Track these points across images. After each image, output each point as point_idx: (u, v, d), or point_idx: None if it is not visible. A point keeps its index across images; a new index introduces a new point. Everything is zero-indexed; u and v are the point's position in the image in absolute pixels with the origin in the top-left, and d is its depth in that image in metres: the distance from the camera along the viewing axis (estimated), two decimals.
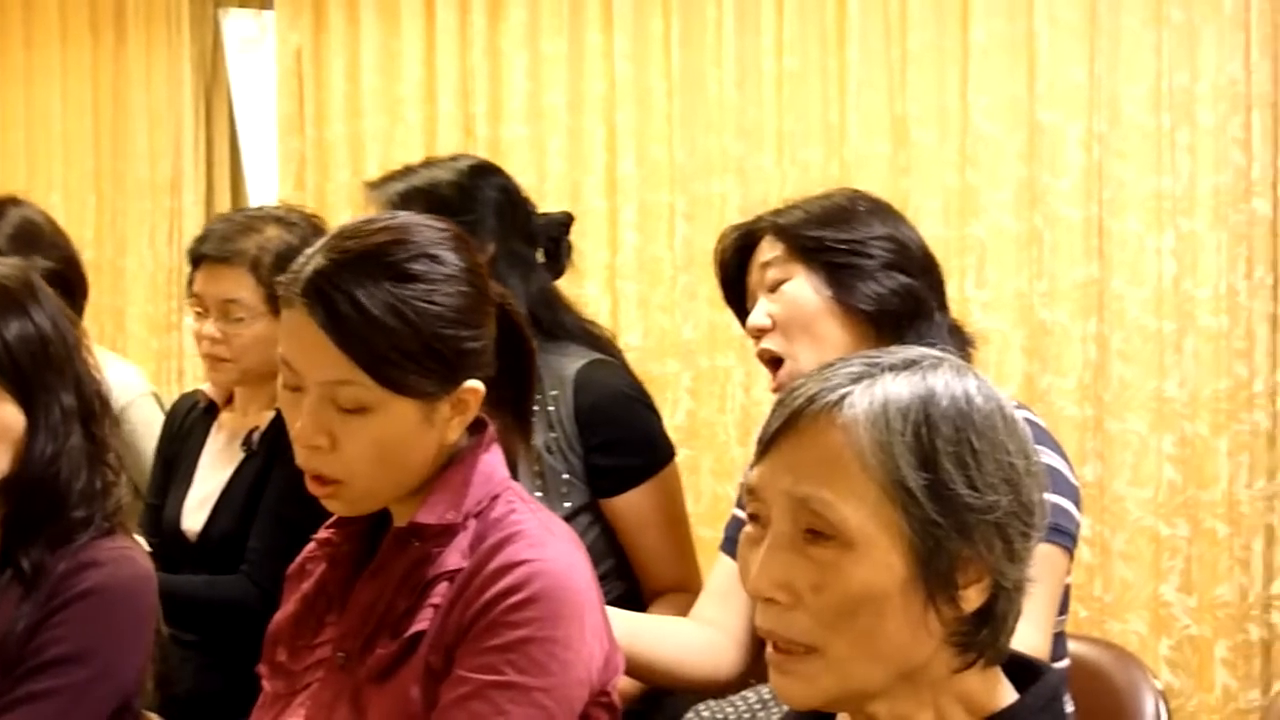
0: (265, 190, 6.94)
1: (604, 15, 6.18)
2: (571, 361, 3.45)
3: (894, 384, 1.80)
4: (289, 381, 2.35)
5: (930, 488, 1.76)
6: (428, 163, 3.63)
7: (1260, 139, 5.21)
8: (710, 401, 6.04)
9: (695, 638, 3.05)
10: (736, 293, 3.07)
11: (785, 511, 1.81)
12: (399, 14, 6.51)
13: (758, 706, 2.89)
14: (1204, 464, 5.31)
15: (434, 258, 2.35)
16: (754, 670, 2.99)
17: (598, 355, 3.50)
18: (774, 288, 2.93)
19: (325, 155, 6.65)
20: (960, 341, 2.97)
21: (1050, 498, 2.65)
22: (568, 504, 3.40)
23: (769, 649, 1.84)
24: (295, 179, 6.69)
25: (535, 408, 3.26)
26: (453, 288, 2.35)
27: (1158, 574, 5.35)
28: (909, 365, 1.83)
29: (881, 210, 3.00)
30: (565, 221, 3.62)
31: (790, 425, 1.83)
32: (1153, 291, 5.36)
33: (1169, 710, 3.18)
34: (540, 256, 3.59)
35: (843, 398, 1.80)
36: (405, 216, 2.46)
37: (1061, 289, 5.48)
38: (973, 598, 1.78)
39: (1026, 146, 5.53)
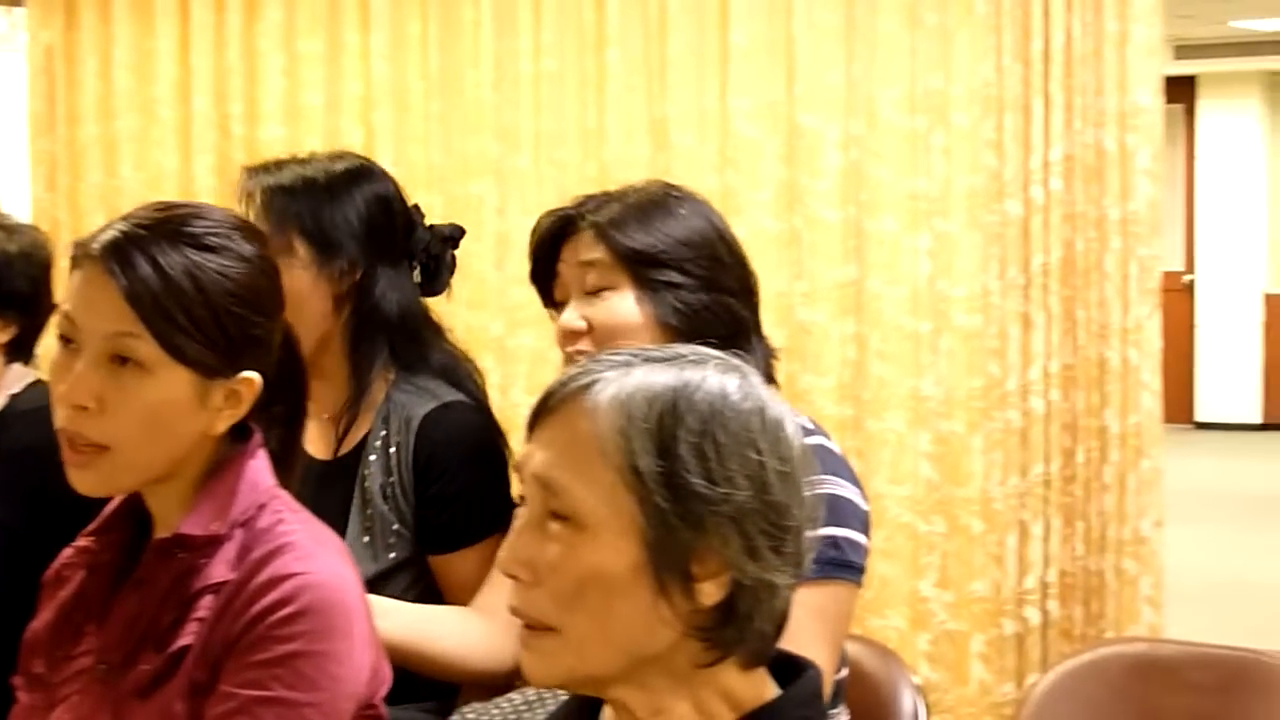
0: (17, 191, 6.78)
1: (361, 15, 6.14)
2: (422, 403, 3.18)
3: (649, 374, 1.81)
4: (67, 332, 2.30)
5: (664, 475, 1.76)
6: (307, 159, 3.32)
7: (1012, 141, 5.31)
8: None
9: (475, 629, 3.02)
10: (546, 276, 3.03)
11: (534, 492, 1.82)
12: (153, 12, 6.41)
13: (523, 708, 2.86)
14: (959, 462, 5.40)
15: (232, 239, 2.32)
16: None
17: (452, 398, 3.21)
18: (594, 291, 2.91)
19: (77, 156, 6.53)
20: (769, 366, 2.95)
21: (842, 531, 2.66)
22: (392, 555, 3.21)
23: (520, 627, 1.84)
24: (47, 180, 6.56)
25: (386, 449, 3.19)
26: (247, 268, 2.31)
27: (916, 570, 5.43)
28: (672, 358, 1.84)
29: (699, 210, 2.98)
30: (450, 235, 3.45)
31: (545, 408, 1.85)
32: (909, 291, 5.44)
33: (927, 705, 3.21)
34: (418, 272, 3.41)
35: (593, 383, 1.81)
36: (207, 204, 2.44)
37: (820, 289, 5.54)
38: (710, 591, 1.78)
39: (785, 148, 5.59)
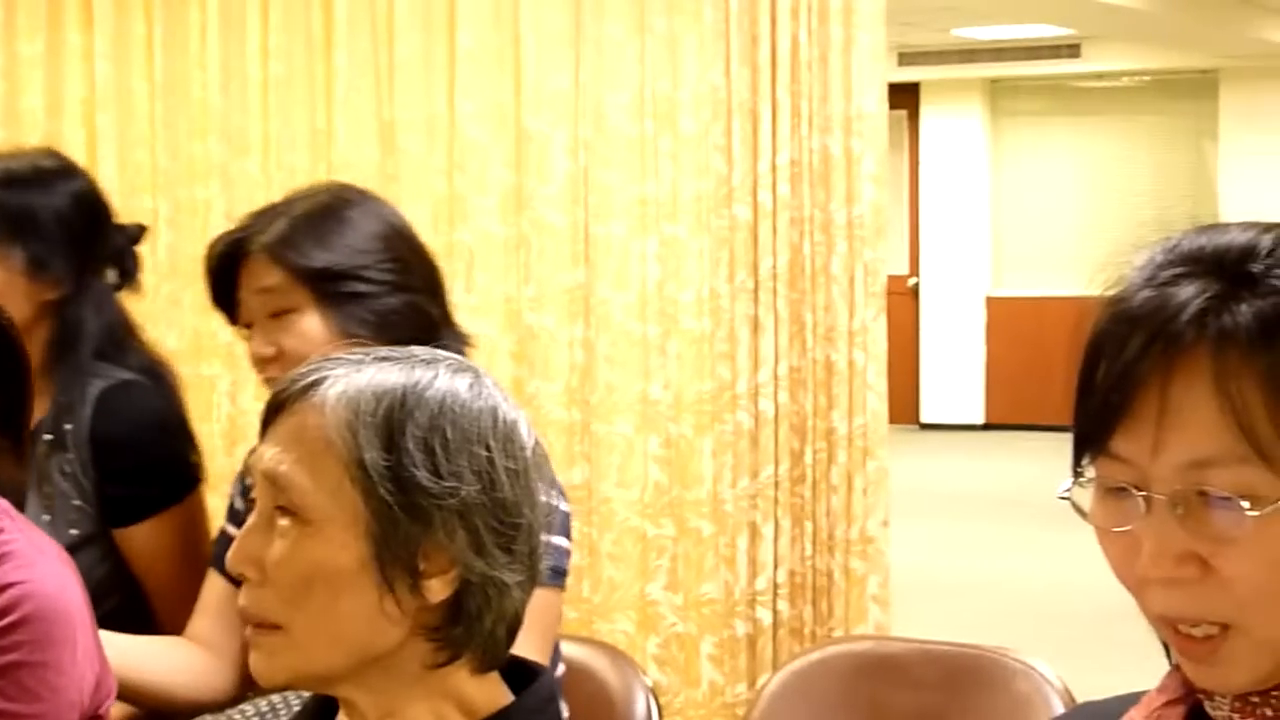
0: None
1: (83, 15, 6.03)
2: (98, 382, 3.21)
3: (380, 372, 1.81)
4: None
5: (390, 469, 1.76)
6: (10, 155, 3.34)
7: (740, 146, 5.35)
8: (196, 410, 5.90)
9: (187, 658, 2.97)
10: (226, 301, 2.99)
11: (263, 489, 1.82)
12: None
13: (255, 718, 2.83)
14: (689, 464, 5.43)
15: None
16: (252, 686, 2.92)
17: (128, 376, 3.25)
18: (278, 314, 2.86)
19: None
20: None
21: (548, 538, 2.66)
22: (74, 531, 3.19)
23: (248, 627, 1.83)
24: None
25: (63, 429, 3.13)
26: None
27: (645, 573, 5.45)
28: (405, 358, 1.84)
29: (371, 210, 2.95)
30: (135, 232, 3.41)
31: (276, 406, 1.84)
32: (637, 296, 5.47)
33: (659, 707, 3.22)
34: (110, 267, 3.36)
35: (323, 380, 1.81)
36: None
37: (548, 294, 5.54)
38: (437, 588, 1.78)
39: (513, 153, 5.59)
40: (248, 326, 2.92)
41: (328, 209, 2.89)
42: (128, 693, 2.85)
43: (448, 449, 1.76)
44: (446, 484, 1.75)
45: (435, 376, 1.81)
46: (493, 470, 1.78)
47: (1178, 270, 1.36)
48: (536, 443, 1.86)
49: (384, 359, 1.84)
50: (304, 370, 1.84)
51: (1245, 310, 1.33)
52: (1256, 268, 1.35)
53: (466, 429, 1.78)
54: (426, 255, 2.96)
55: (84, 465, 3.17)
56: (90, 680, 2.32)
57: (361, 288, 2.82)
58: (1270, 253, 1.36)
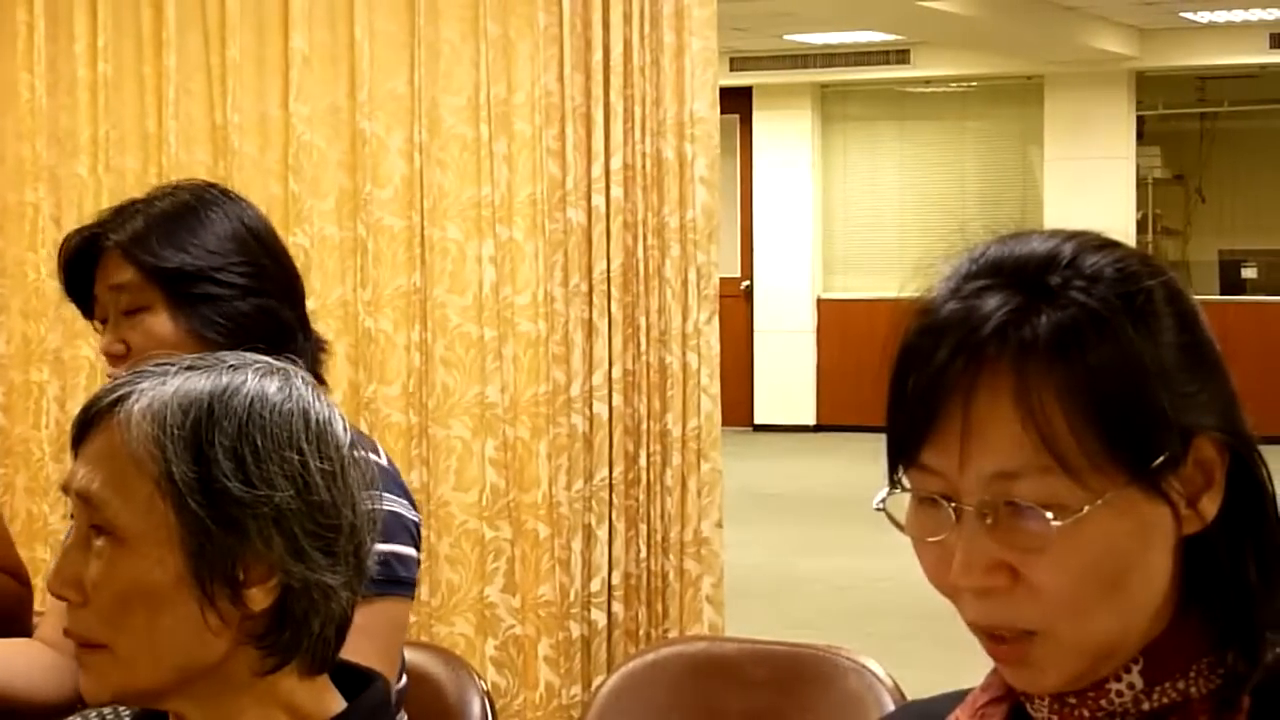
0: None
1: None
2: None
3: (186, 382, 1.79)
4: None
5: (200, 481, 1.74)
6: None
7: (574, 149, 5.37)
8: (25, 417, 5.87)
9: (33, 659, 2.94)
10: (81, 294, 2.96)
11: (78, 509, 1.79)
12: None
13: (111, 718, 2.81)
14: (525, 467, 5.44)
15: None
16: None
17: None
18: (130, 312, 2.84)
19: None
20: (317, 362, 2.93)
21: (389, 547, 2.65)
22: None
23: (76, 648, 1.82)
24: None
25: None
26: None
27: (483, 576, 5.45)
28: (212, 365, 1.82)
29: (227, 209, 2.93)
30: None
31: (84, 423, 1.82)
32: (473, 299, 5.47)
33: (494, 710, 3.22)
34: None
35: (127, 395, 1.78)
36: None
37: (385, 297, 5.54)
38: (259, 597, 1.76)
39: (349, 155, 5.57)
40: (103, 322, 2.90)
41: (186, 208, 2.85)
42: None
43: (258, 456, 1.74)
44: (259, 492, 1.73)
45: (243, 381, 1.78)
46: (306, 474, 1.76)
47: (982, 282, 1.38)
48: (355, 442, 1.85)
49: (190, 367, 1.81)
50: (109, 385, 1.82)
51: (1044, 322, 1.35)
52: (1055, 279, 1.37)
53: (277, 434, 1.76)
54: (285, 261, 2.93)
55: None
56: None
57: (213, 290, 2.78)
58: (1070, 263, 1.38)
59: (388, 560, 2.64)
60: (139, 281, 2.81)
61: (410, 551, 2.78)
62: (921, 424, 1.38)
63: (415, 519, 2.83)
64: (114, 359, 2.84)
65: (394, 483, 2.81)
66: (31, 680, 2.92)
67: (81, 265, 2.90)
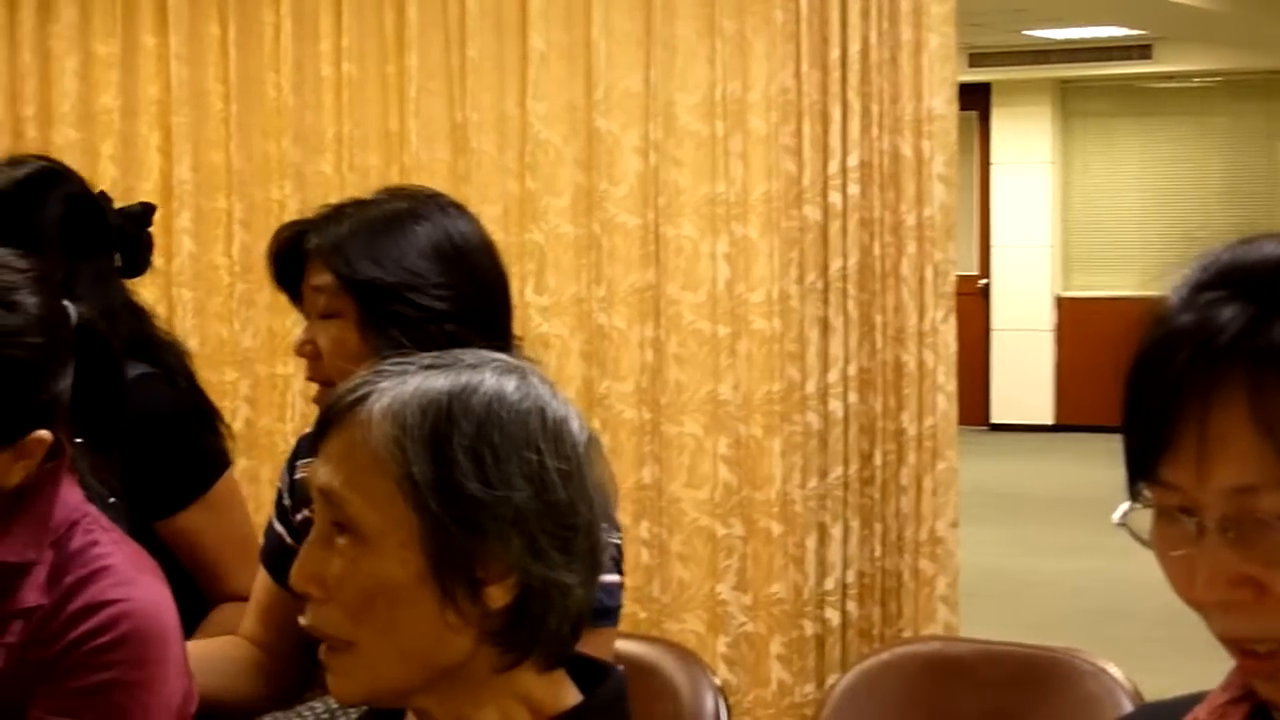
0: None
1: (158, 17, 6.08)
2: None
3: (424, 381, 1.80)
4: None
5: (439, 482, 1.75)
6: None
7: (810, 147, 5.36)
8: (270, 410, 5.98)
9: (237, 658, 2.97)
10: (291, 288, 2.98)
11: (320, 506, 1.81)
12: None
13: (325, 716, 2.85)
14: (757, 465, 5.44)
15: (9, 306, 2.26)
16: (319, 681, 2.93)
17: (144, 370, 3.24)
18: (326, 314, 2.85)
19: None
20: None
21: (601, 578, 2.64)
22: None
23: (320, 646, 1.84)
24: None
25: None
26: (27, 339, 2.26)
27: (714, 573, 5.46)
28: (451, 364, 1.83)
29: (439, 223, 2.86)
30: (141, 214, 3.42)
31: (325, 421, 1.84)
32: (707, 296, 5.48)
33: (728, 707, 3.22)
34: (118, 259, 3.41)
35: (369, 394, 1.80)
36: None
37: (619, 294, 5.56)
38: (497, 595, 1.77)
39: (585, 153, 5.60)
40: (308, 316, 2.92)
41: (395, 219, 2.83)
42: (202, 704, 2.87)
43: (497, 456, 1.75)
44: (497, 493, 1.74)
45: (481, 380, 1.79)
46: (544, 473, 1.77)
47: (1215, 293, 1.34)
48: (590, 438, 1.85)
49: (429, 366, 1.82)
50: (351, 384, 1.83)
51: (1278, 333, 1.31)
52: None
53: (514, 433, 1.76)
54: (492, 281, 2.88)
55: (111, 464, 3.20)
56: (179, 695, 2.33)
57: (405, 310, 2.76)
58: None
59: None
60: (335, 288, 2.80)
61: (615, 579, 2.75)
62: (1158, 439, 1.35)
63: (618, 541, 2.80)
64: (302, 355, 2.87)
65: None
66: (231, 679, 2.95)
67: (290, 261, 2.92)
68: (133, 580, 2.29)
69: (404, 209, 2.85)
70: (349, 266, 2.77)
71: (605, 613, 2.68)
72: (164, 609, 2.30)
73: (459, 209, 2.93)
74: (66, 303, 2.39)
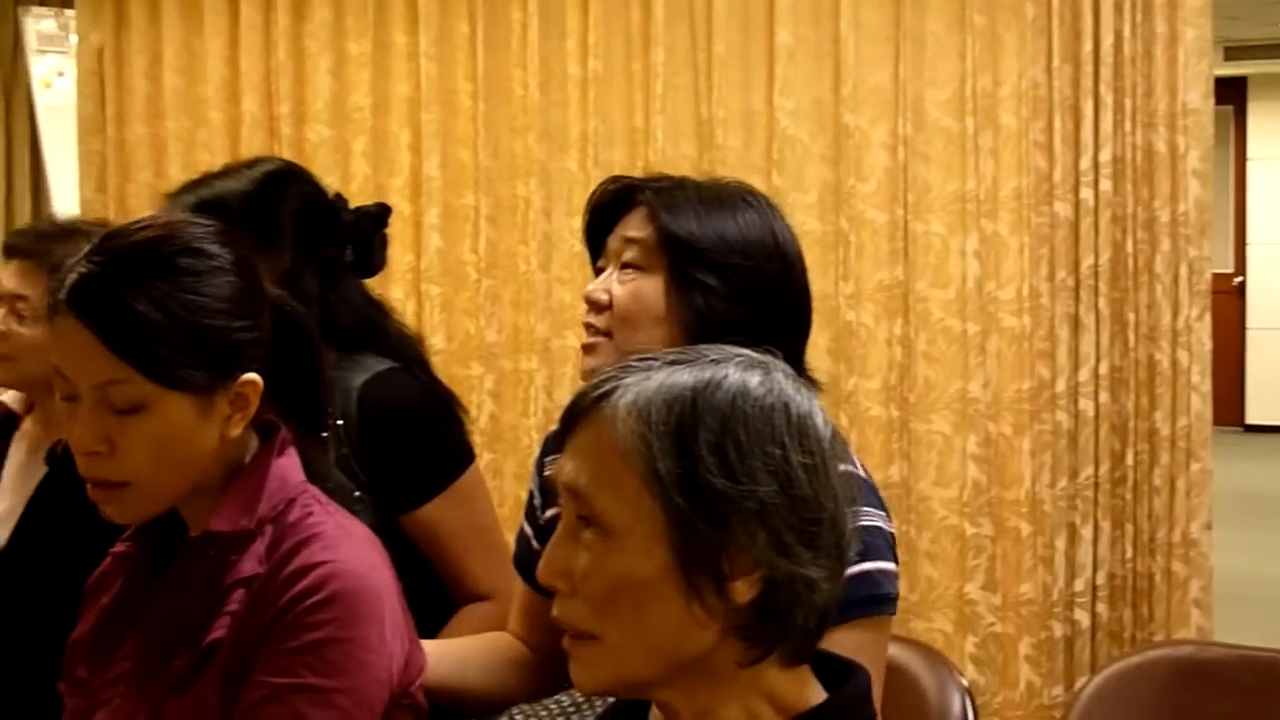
0: (66, 191, 6.82)
1: (409, 16, 6.16)
2: (358, 375, 3.29)
3: (668, 376, 1.81)
4: (64, 391, 2.33)
5: (685, 477, 1.76)
6: (225, 171, 3.41)
7: (1061, 142, 5.29)
8: (513, 405, 6.03)
9: (505, 654, 3.00)
10: (597, 240, 2.99)
11: (566, 501, 1.84)
12: (202, 12, 6.43)
13: (571, 710, 2.86)
14: (1007, 464, 5.38)
15: (199, 251, 2.32)
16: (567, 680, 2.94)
17: (387, 365, 3.34)
18: (630, 266, 2.85)
19: (126, 156, 6.56)
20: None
21: (874, 565, 2.59)
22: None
23: (564, 637, 1.85)
24: (96, 180, 6.59)
25: (334, 424, 3.20)
26: (220, 279, 2.32)
27: (962, 573, 5.41)
28: (694, 359, 1.84)
29: (766, 220, 2.85)
30: (377, 214, 3.49)
31: (571, 417, 1.86)
32: (956, 293, 5.43)
33: (975, 708, 3.18)
34: (350, 255, 3.48)
35: (614, 390, 1.82)
36: (169, 215, 2.46)
37: (866, 291, 5.53)
38: (743, 590, 1.77)
39: (832, 149, 5.58)
40: (599, 272, 2.91)
41: (727, 198, 2.80)
42: (451, 698, 2.87)
43: (741, 451, 1.76)
44: (742, 487, 1.75)
45: (725, 375, 1.80)
46: (788, 468, 1.77)
47: None
48: (834, 432, 1.84)
49: (673, 362, 1.83)
50: (596, 380, 1.85)
51: None
52: None
53: (759, 429, 1.77)
54: (797, 287, 2.80)
55: (357, 457, 3.25)
56: (400, 658, 2.36)
57: (712, 282, 2.70)
58: None
59: (874, 577, 2.57)
60: (652, 243, 2.79)
61: (891, 566, 2.70)
62: None
63: (892, 531, 2.76)
64: (593, 306, 2.86)
65: (871, 493, 2.74)
66: (498, 675, 2.96)
67: (609, 211, 2.91)
68: (340, 544, 2.34)
69: (738, 192, 2.83)
70: (675, 224, 2.76)
71: (883, 600, 2.63)
72: (376, 571, 2.35)
73: (776, 209, 2.93)
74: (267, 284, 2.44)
